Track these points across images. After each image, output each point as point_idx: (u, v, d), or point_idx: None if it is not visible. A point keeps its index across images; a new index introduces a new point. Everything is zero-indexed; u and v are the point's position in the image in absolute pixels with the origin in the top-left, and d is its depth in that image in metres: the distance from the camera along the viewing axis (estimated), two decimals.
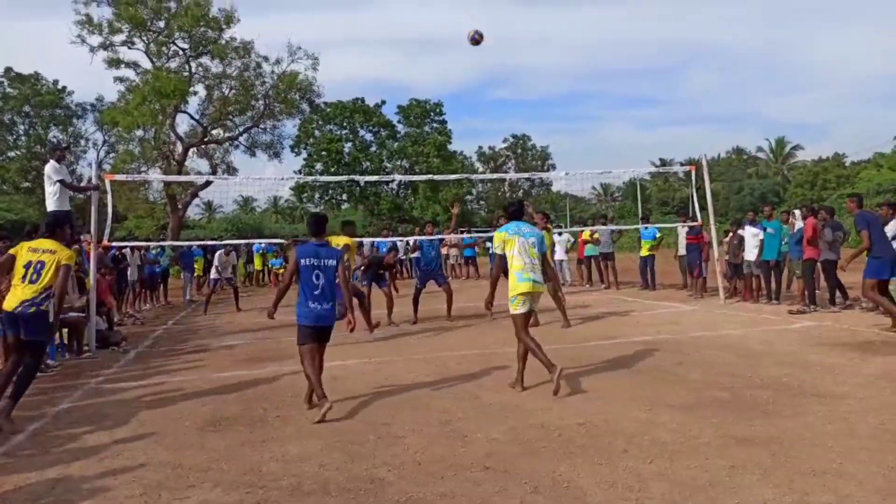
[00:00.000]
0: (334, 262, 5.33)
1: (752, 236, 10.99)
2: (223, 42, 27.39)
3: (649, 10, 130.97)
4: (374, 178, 31.47)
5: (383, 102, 41.71)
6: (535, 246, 5.64)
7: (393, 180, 39.61)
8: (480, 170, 56.79)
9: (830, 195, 37.81)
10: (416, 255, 14.98)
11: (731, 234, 12.03)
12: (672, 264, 14.59)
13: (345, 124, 40.46)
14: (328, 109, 38.94)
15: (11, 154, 34.67)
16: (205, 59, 28.13)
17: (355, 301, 5.69)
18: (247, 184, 15.14)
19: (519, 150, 62.85)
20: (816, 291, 10.11)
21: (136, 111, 25.29)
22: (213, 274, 13.91)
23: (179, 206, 29.26)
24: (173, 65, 27.77)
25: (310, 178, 36.88)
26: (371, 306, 9.87)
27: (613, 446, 4.06)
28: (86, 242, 9.67)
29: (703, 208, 12.32)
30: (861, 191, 33.88)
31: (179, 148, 29.10)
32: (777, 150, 58.46)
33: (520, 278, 5.52)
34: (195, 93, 28.22)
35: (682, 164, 43.06)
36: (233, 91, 28.86)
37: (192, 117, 29.60)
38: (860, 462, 3.65)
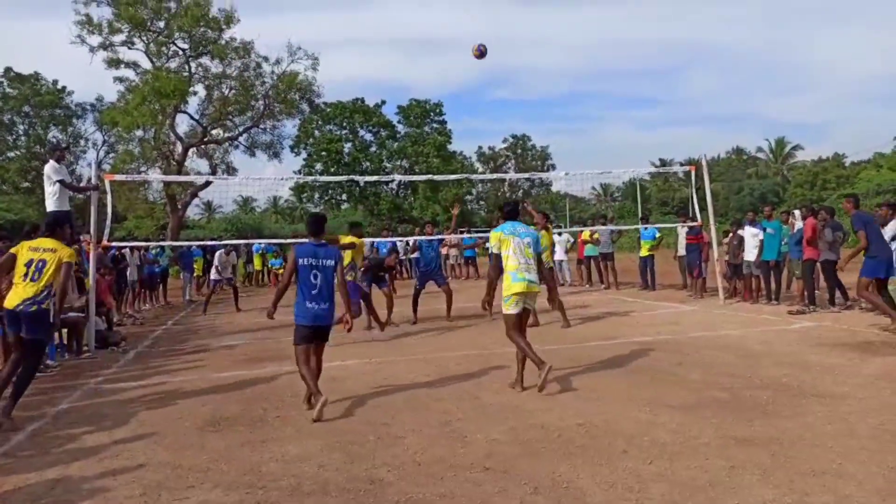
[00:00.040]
0: (333, 263, 5.35)
1: (751, 236, 10.99)
2: (223, 42, 27.39)
3: (649, 10, 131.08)
4: (374, 178, 31.40)
5: (383, 102, 41.70)
6: (531, 246, 5.69)
7: (393, 180, 39.54)
8: (480, 170, 56.76)
9: (830, 195, 37.80)
10: (415, 255, 14.98)
11: (730, 234, 12.03)
12: (672, 264, 14.60)
13: (344, 124, 40.43)
14: (328, 109, 38.91)
15: (11, 154, 34.66)
16: (205, 60, 28.15)
17: (347, 300, 5.71)
18: (246, 184, 15.17)
19: (519, 151, 62.84)
20: (816, 292, 10.11)
21: (135, 111, 25.29)
22: (213, 274, 13.90)
23: (179, 207, 29.25)
24: (173, 65, 27.78)
25: (309, 179, 36.83)
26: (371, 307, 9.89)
27: (613, 447, 4.06)
28: (85, 242, 9.67)
29: (703, 208, 12.33)
30: (861, 191, 33.94)
31: (179, 148, 29.10)
32: (777, 151, 58.46)
33: (514, 278, 5.55)
34: (195, 93, 28.25)
35: (681, 165, 43.06)
36: (233, 91, 28.86)
37: (191, 117, 29.64)
38: (860, 462, 3.65)
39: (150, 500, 3.53)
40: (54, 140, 33.18)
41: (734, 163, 62.33)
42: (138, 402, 5.77)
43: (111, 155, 34.68)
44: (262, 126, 30.56)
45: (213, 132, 30.32)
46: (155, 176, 28.66)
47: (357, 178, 31.70)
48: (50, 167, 8.51)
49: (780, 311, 9.93)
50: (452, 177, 27.49)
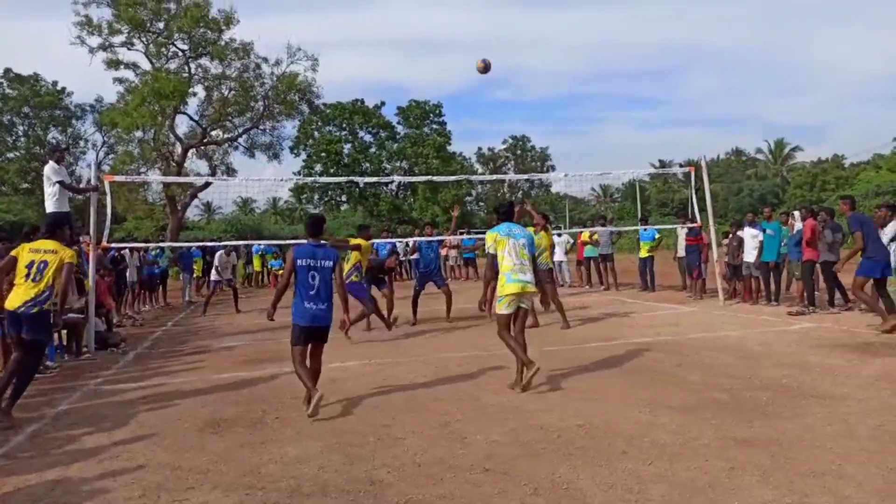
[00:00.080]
0: (331, 264, 5.38)
1: (751, 237, 11.00)
2: (223, 43, 27.37)
3: (649, 10, 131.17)
4: (374, 179, 31.47)
5: (383, 104, 41.71)
6: (526, 247, 5.74)
7: (392, 181, 39.55)
8: (480, 171, 56.84)
9: (829, 196, 37.81)
10: (415, 256, 14.99)
11: (730, 235, 12.03)
12: (671, 266, 14.60)
13: (344, 125, 40.44)
14: (327, 110, 38.92)
15: (10, 155, 34.68)
16: (204, 61, 28.13)
17: (345, 301, 5.77)
18: (246, 185, 15.08)
19: (518, 152, 62.94)
20: (815, 293, 10.12)
21: (135, 112, 25.28)
22: (213, 275, 13.90)
23: (179, 208, 29.23)
24: (173, 66, 27.76)
25: (309, 179, 36.86)
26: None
27: (613, 448, 4.06)
28: (85, 244, 9.67)
29: (703, 209, 12.34)
30: (860, 192, 33.97)
31: (179, 149, 29.08)
32: (776, 152, 58.51)
33: (509, 279, 5.60)
34: (194, 94, 28.22)
35: (681, 166, 43.08)
36: (232, 92, 28.85)
37: (191, 118, 29.61)
38: (860, 463, 3.65)
39: (149, 501, 3.53)
40: (54, 141, 33.21)
41: (733, 164, 62.40)
42: (138, 403, 5.77)
43: (111, 156, 34.71)
44: (261, 127, 30.55)
45: (213, 133, 30.32)
46: (154, 177, 28.65)
47: (357, 179, 31.72)
48: (49, 168, 8.52)
49: (779, 313, 9.93)
50: (452, 178, 27.47)
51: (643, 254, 14.30)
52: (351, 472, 3.82)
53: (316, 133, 39.80)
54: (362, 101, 40.90)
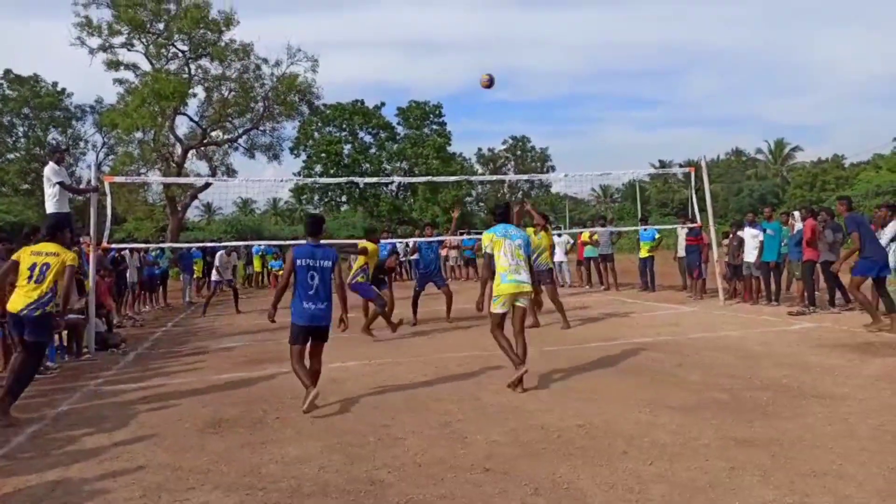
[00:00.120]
0: (330, 264, 5.41)
1: (751, 237, 11.01)
2: (222, 44, 27.41)
3: (649, 11, 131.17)
4: (374, 179, 31.52)
5: (383, 104, 41.75)
6: (521, 248, 5.81)
7: (392, 182, 39.62)
8: (480, 171, 56.87)
9: (830, 196, 37.79)
10: (414, 257, 14.99)
11: (730, 235, 12.04)
12: (672, 266, 14.60)
13: (344, 126, 40.46)
14: (327, 111, 38.96)
15: (11, 156, 34.74)
16: (204, 61, 28.17)
17: (344, 301, 5.83)
18: (246, 186, 15.04)
19: (518, 152, 62.98)
20: (816, 293, 10.12)
21: (135, 113, 25.30)
22: (214, 276, 13.90)
23: (179, 208, 29.24)
24: (173, 67, 27.80)
25: (309, 180, 36.94)
26: (369, 308, 9.91)
27: (613, 448, 4.06)
28: (85, 244, 9.67)
29: (703, 210, 12.34)
30: (860, 192, 33.98)
31: (179, 150, 29.11)
32: (776, 152, 58.50)
33: (504, 279, 5.68)
34: (194, 95, 28.26)
35: (681, 166, 43.07)
36: (232, 93, 28.88)
37: (191, 119, 29.65)
38: (860, 463, 3.65)
39: (150, 501, 3.53)
40: (54, 142, 33.28)
41: (733, 164, 62.40)
42: (138, 403, 5.77)
43: (111, 157, 34.76)
44: (261, 128, 30.59)
45: (213, 134, 30.35)
46: (154, 178, 28.69)
47: (357, 179, 31.77)
48: (49, 169, 8.52)
49: (779, 312, 9.93)
50: (452, 178, 27.50)
51: (643, 254, 14.30)
52: (351, 472, 3.82)
53: (316, 134, 39.84)
54: (362, 102, 40.95)
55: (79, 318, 8.46)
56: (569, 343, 8.00)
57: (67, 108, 35.75)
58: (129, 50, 27.09)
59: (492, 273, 5.79)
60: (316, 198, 41.28)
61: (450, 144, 41.45)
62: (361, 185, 38.86)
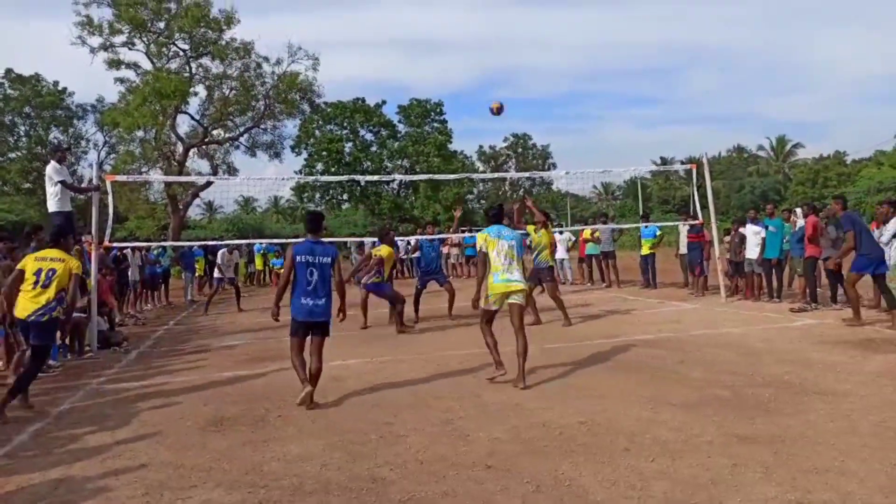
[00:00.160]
0: (329, 260, 5.46)
1: (753, 234, 10.99)
2: (223, 43, 27.35)
3: (649, 10, 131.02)
4: (375, 177, 31.38)
5: (384, 102, 41.59)
6: (514, 248, 5.96)
7: (393, 180, 39.51)
8: (481, 169, 56.77)
9: (831, 193, 37.72)
10: (416, 255, 14.99)
11: (732, 232, 12.02)
12: (673, 263, 14.59)
13: (345, 124, 40.36)
14: (328, 109, 38.85)
15: (12, 155, 34.69)
16: (205, 60, 28.10)
17: (343, 297, 5.90)
18: (247, 184, 14.97)
19: (519, 150, 62.85)
20: (818, 289, 10.10)
21: (136, 112, 25.27)
22: (216, 274, 13.92)
23: (180, 207, 29.23)
24: (174, 65, 27.74)
25: (310, 178, 36.81)
26: (368, 307, 9.96)
27: (615, 445, 4.06)
28: (87, 243, 9.68)
29: (704, 207, 12.32)
30: (862, 188, 33.93)
31: (180, 148, 29.08)
32: (778, 149, 58.39)
33: (496, 279, 5.85)
34: (196, 93, 28.20)
35: (682, 163, 42.98)
36: (233, 91, 28.83)
37: (192, 118, 29.61)
38: (862, 460, 3.64)
39: (152, 499, 3.54)
40: (55, 141, 33.25)
41: (735, 161, 62.27)
42: (140, 402, 5.78)
43: (112, 156, 34.71)
44: (262, 126, 30.55)
45: (214, 132, 30.32)
46: (156, 176, 28.66)
47: (358, 177, 31.63)
48: (51, 168, 8.53)
49: (781, 309, 9.92)
50: (453, 176, 27.42)
51: (644, 251, 14.28)
52: (353, 470, 3.82)
53: (317, 132, 39.73)
54: (363, 100, 40.84)
55: (81, 317, 8.47)
56: (570, 340, 7.99)
57: (69, 108, 35.71)
58: (129, 49, 27.06)
59: (486, 270, 5.95)
60: (317, 196, 41.20)
61: (451, 142, 41.33)
62: (363, 184, 38.77)
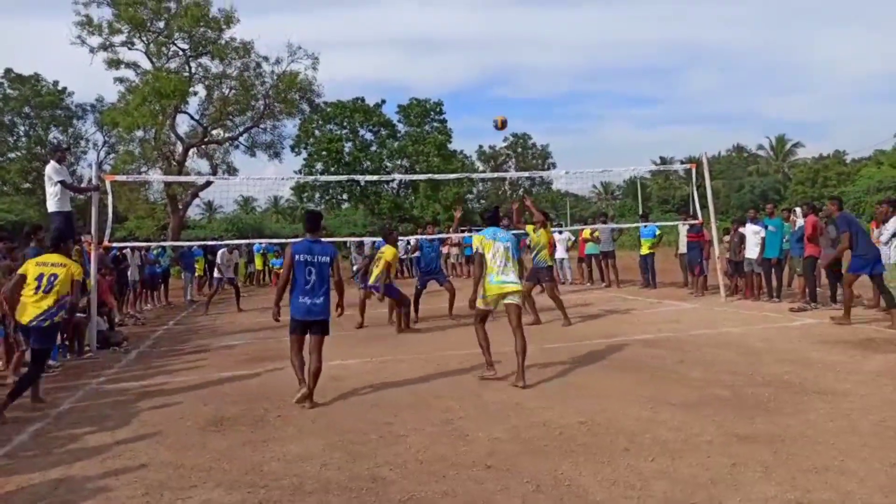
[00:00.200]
0: (328, 259, 5.49)
1: (753, 234, 10.99)
2: (223, 42, 27.33)
3: (649, 10, 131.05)
4: (375, 177, 31.39)
5: (383, 102, 41.59)
6: (510, 250, 6.05)
7: (393, 180, 39.54)
8: (481, 169, 56.79)
9: (831, 192, 37.71)
10: (416, 255, 15.00)
11: (732, 231, 12.03)
12: (673, 262, 14.59)
13: (345, 124, 40.35)
14: (328, 109, 38.83)
15: (12, 155, 34.68)
16: (205, 60, 28.08)
17: (341, 295, 6.04)
18: (247, 184, 14.98)
19: (519, 149, 62.86)
20: (817, 289, 10.11)
21: (136, 112, 25.25)
22: (216, 273, 13.91)
23: (180, 207, 29.21)
24: (173, 65, 27.72)
25: (310, 178, 36.81)
26: (366, 307, 9.98)
27: (615, 444, 4.06)
28: (86, 243, 9.68)
29: (704, 206, 12.32)
30: (861, 188, 33.93)
31: (180, 148, 29.06)
32: (777, 148, 58.39)
33: (491, 280, 5.93)
34: (195, 93, 28.17)
35: (682, 163, 42.98)
36: (233, 91, 28.81)
37: (192, 117, 29.58)
38: (862, 459, 3.65)
39: (152, 499, 3.54)
40: (55, 141, 33.23)
41: (735, 160, 62.29)
42: (140, 402, 5.78)
43: (112, 155, 34.70)
44: (262, 126, 30.51)
45: (214, 132, 30.28)
46: (156, 176, 28.65)
47: (358, 177, 31.65)
48: (51, 168, 8.53)
49: (781, 309, 9.92)
50: (453, 176, 27.41)
51: (644, 251, 14.28)
52: (353, 470, 3.82)
53: (317, 132, 39.72)
54: (363, 100, 40.83)
55: (80, 317, 8.47)
56: (570, 340, 7.99)
57: (68, 107, 35.69)
58: (129, 48, 27.04)
59: (482, 271, 6.02)
60: (317, 196, 41.20)
61: (451, 142, 41.32)
62: (362, 183, 38.77)
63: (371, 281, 9.52)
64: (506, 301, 5.93)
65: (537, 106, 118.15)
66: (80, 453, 4.38)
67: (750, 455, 3.76)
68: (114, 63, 26.91)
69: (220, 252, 13.98)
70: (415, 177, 33.85)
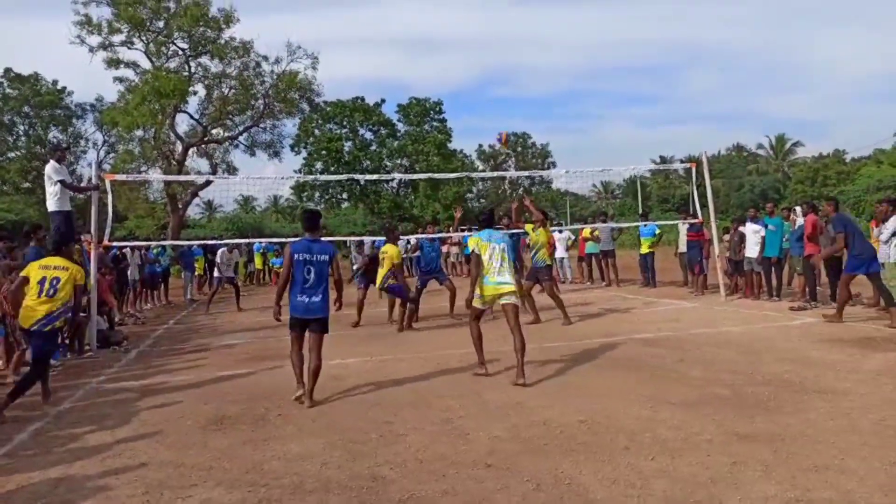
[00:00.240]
0: (326, 258, 5.51)
1: (753, 233, 10.99)
2: (222, 42, 27.31)
3: (649, 9, 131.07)
4: (374, 176, 31.38)
5: (383, 101, 41.58)
6: (505, 251, 6.15)
7: (393, 179, 39.54)
8: (480, 168, 56.70)
9: (831, 191, 37.70)
10: (416, 254, 14.98)
11: (732, 230, 12.03)
12: (673, 261, 14.59)
13: (345, 123, 40.34)
14: (328, 108, 38.81)
15: (11, 155, 34.64)
16: (204, 59, 28.05)
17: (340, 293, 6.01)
18: (247, 183, 14.97)
19: (519, 149, 62.80)
20: (817, 288, 10.11)
21: (135, 111, 25.24)
22: (216, 273, 13.91)
23: (180, 206, 29.20)
24: (173, 65, 27.70)
25: (310, 178, 36.83)
26: (364, 306, 10.00)
27: (615, 443, 4.06)
28: (86, 242, 9.68)
29: (704, 205, 12.32)
30: (861, 187, 33.92)
31: (179, 147, 29.04)
32: (777, 147, 58.39)
33: (487, 281, 6.03)
34: (195, 92, 28.14)
35: (682, 162, 42.98)
36: (232, 90, 28.79)
37: (191, 117, 29.56)
38: (862, 458, 3.65)
39: (152, 498, 3.54)
40: (55, 140, 33.17)
41: (735, 159, 62.27)
42: (140, 401, 5.78)
43: (111, 155, 34.66)
44: (262, 125, 30.50)
45: (214, 131, 30.26)
46: (155, 176, 28.63)
47: (357, 176, 31.64)
48: (50, 167, 8.52)
49: (781, 308, 9.92)
50: (453, 175, 27.37)
51: (644, 250, 14.29)
52: (353, 469, 3.83)
53: (316, 131, 39.71)
54: (363, 99, 40.82)
55: (81, 317, 8.47)
56: (570, 339, 7.99)
57: (68, 107, 35.66)
58: (129, 48, 27.00)
59: (479, 271, 6.10)
60: (317, 195, 41.19)
61: (450, 141, 41.32)
62: (362, 182, 38.74)
63: (378, 283, 9.56)
64: (502, 301, 5.99)
65: (537, 105, 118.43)
66: (80, 452, 4.38)
67: (750, 454, 3.77)
68: (113, 62, 26.88)
69: (219, 251, 13.98)
70: (414, 176, 33.81)
